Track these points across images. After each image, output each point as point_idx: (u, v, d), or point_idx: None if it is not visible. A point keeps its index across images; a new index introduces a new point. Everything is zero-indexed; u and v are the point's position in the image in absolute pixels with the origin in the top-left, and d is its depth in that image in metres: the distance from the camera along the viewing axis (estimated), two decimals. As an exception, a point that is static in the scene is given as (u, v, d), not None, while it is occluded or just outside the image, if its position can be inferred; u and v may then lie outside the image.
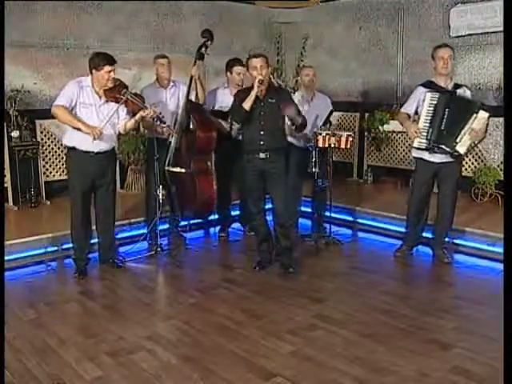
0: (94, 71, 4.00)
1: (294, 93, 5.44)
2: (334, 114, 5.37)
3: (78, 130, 3.93)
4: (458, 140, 4.18)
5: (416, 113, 4.42)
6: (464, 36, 6.25)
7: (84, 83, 4.05)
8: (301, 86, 5.12)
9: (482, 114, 4.14)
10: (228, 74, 5.02)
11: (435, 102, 4.20)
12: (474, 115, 4.14)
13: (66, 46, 6.22)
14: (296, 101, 5.01)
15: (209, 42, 4.76)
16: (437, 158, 4.31)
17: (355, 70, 7.46)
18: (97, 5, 6.39)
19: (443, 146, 4.22)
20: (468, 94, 4.38)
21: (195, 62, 4.74)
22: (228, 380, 2.75)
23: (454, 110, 4.16)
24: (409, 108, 4.44)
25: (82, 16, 6.29)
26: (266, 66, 4.03)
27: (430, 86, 4.32)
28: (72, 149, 4.10)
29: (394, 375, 2.79)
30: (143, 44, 6.76)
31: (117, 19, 6.56)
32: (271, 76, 7.54)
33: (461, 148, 4.21)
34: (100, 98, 4.06)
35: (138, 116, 4.12)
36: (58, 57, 6.19)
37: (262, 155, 4.09)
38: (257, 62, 3.99)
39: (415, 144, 4.32)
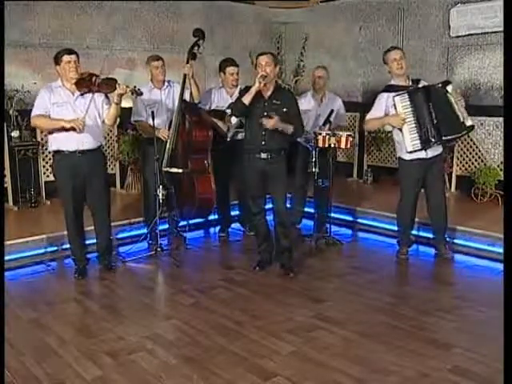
0: (57, 68, 4.01)
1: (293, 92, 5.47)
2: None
3: (62, 129, 3.92)
4: (461, 119, 4.23)
5: None
6: (464, 36, 6.25)
7: (54, 85, 4.05)
8: (312, 87, 5.15)
9: (450, 87, 4.28)
10: (221, 74, 5.03)
11: (408, 103, 4.21)
12: (448, 94, 4.24)
13: (66, 46, 6.20)
14: (305, 101, 5.05)
15: (201, 41, 4.76)
16: (430, 153, 4.32)
17: (355, 69, 7.46)
18: (97, 5, 6.39)
19: (450, 137, 4.27)
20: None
21: (187, 62, 4.73)
22: (228, 380, 2.75)
23: (436, 100, 4.20)
24: (377, 114, 4.40)
25: (81, 16, 6.30)
26: (273, 63, 4.00)
27: (392, 89, 4.33)
28: (57, 152, 4.07)
29: (394, 375, 2.79)
30: (143, 44, 6.77)
31: (117, 19, 6.56)
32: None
33: (468, 121, 4.29)
34: (73, 93, 4.03)
35: (115, 97, 4.01)
36: (58, 57, 6.18)
37: (263, 155, 4.09)
38: (262, 60, 3.99)
39: (409, 148, 4.25)
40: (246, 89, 4.08)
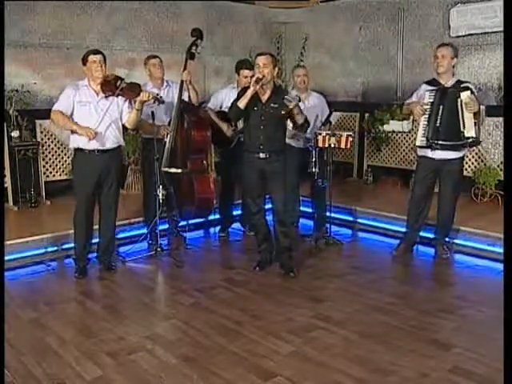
0: (84, 68, 4.08)
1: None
2: (334, 113, 5.37)
3: (75, 132, 4.00)
4: (462, 129, 4.22)
5: None
6: (464, 36, 6.25)
7: (81, 83, 4.12)
8: (296, 87, 5.12)
9: (464, 94, 4.20)
10: (236, 75, 5.00)
11: (431, 100, 4.29)
12: (459, 100, 4.20)
13: (66, 46, 6.22)
14: None
15: (199, 41, 4.76)
16: (437, 155, 4.34)
17: (355, 69, 7.46)
18: (97, 5, 6.39)
19: (442, 142, 4.26)
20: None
21: (186, 62, 4.72)
22: (228, 380, 2.75)
23: (447, 105, 4.23)
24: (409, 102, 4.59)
25: (81, 16, 6.30)
26: (271, 65, 3.94)
27: (432, 83, 4.42)
28: (78, 150, 4.12)
29: (394, 375, 2.79)
30: (143, 44, 6.77)
31: (117, 19, 6.57)
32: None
33: (469, 132, 4.22)
34: (97, 94, 4.08)
35: (137, 104, 4.09)
36: (58, 57, 6.19)
37: (261, 155, 4.08)
38: (260, 60, 3.94)
39: (418, 142, 4.39)
40: (243, 91, 4.04)
